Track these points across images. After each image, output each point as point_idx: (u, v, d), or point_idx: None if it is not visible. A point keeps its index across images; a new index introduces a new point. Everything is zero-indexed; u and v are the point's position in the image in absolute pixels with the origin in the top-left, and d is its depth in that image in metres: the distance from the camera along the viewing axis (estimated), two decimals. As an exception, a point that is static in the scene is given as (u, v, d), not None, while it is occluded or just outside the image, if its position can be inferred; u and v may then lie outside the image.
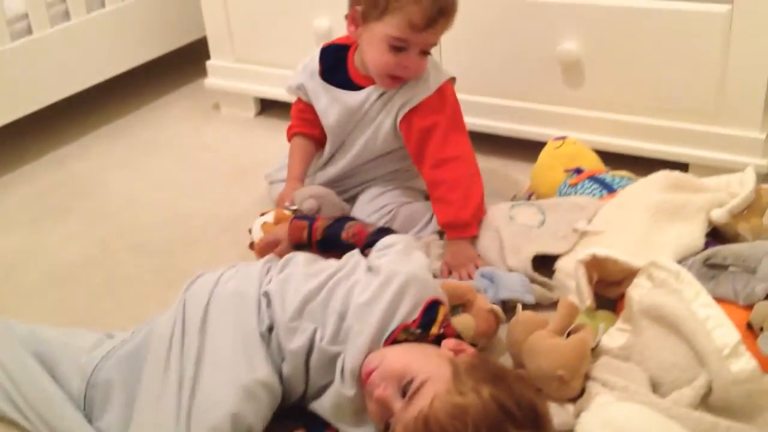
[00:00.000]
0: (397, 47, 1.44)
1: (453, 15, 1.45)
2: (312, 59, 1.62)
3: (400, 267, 1.18)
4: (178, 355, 1.12)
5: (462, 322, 1.23)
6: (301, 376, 1.14)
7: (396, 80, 1.50)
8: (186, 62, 2.48)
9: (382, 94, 1.53)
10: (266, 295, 1.18)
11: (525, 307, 1.32)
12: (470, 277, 1.43)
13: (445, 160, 1.49)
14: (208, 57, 2.21)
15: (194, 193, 1.84)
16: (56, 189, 1.92)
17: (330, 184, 1.62)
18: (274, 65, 2.08)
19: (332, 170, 1.63)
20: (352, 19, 1.49)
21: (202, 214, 1.75)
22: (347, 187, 1.64)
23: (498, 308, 1.28)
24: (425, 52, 1.48)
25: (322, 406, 1.13)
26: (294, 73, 1.66)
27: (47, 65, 2.03)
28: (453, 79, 1.57)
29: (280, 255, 1.33)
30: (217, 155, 2.02)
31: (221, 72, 2.19)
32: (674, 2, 1.54)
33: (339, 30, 1.69)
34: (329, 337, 1.13)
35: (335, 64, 1.58)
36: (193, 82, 2.42)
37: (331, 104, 1.57)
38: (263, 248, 1.43)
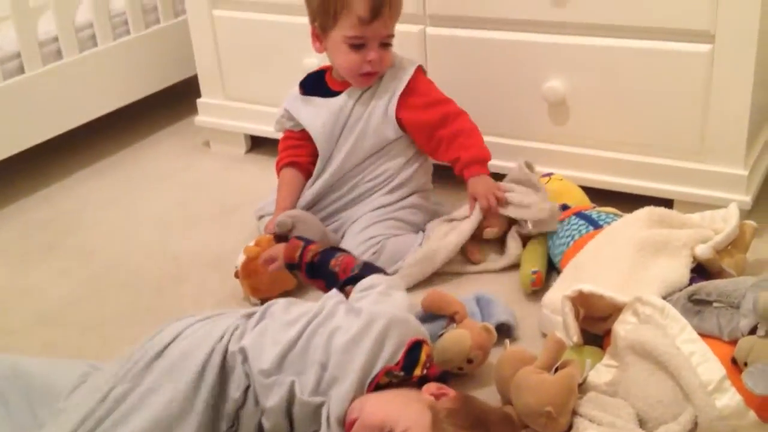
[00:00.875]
0: (356, 45, 1.55)
1: (396, 1, 1.55)
2: (290, 94, 1.72)
3: (381, 309, 1.18)
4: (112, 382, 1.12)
5: (457, 335, 1.25)
6: (284, 427, 1.13)
7: (368, 77, 1.60)
8: (176, 100, 2.50)
9: (363, 93, 1.62)
10: (242, 351, 1.14)
11: (512, 342, 1.32)
12: (499, 201, 1.56)
13: (453, 121, 1.61)
14: (198, 95, 2.23)
15: (183, 231, 1.85)
16: (44, 226, 1.92)
17: (318, 197, 1.67)
18: (264, 103, 2.09)
19: (319, 183, 1.67)
20: (315, 37, 1.61)
21: (190, 252, 1.75)
22: (334, 199, 1.67)
23: (490, 326, 1.30)
24: (385, 44, 1.57)
25: None
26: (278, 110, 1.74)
27: (39, 104, 2.04)
28: (421, 67, 1.67)
29: (274, 270, 1.44)
30: (207, 192, 2.03)
31: (211, 109, 2.21)
32: (657, 42, 1.57)
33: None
34: (311, 388, 1.11)
35: (314, 82, 1.69)
36: (183, 119, 2.43)
37: (316, 113, 1.65)
38: (264, 262, 1.46)
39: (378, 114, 1.61)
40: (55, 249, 1.82)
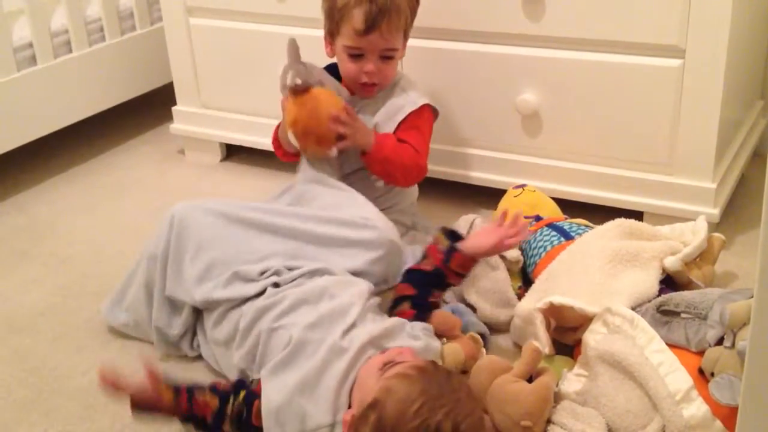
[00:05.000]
0: (355, 55, 1.55)
1: (396, 14, 1.52)
2: None
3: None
4: None
5: (452, 349, 1.27)
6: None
7: (367, 87, 1.59)
8: (151, 107, 2.49)
9: (367, 104, 1.61)
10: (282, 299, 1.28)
11: (488, 351, 1.34)
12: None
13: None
14: (173, 102, 2.22)
15: (157, 238, 1.84)
16: (17, 234, 1.91)
17: None
18: (239, 111, 2.10)
19: None
20: (326, 41, 1.61)
21: (164, 259, 1.74)
22: None
23: (476, 335, 1.33)
24: (385, 57, 1.56)
25: None
26: None
27: (13, 109, 2.02)
28: (436, 111, 1.66)
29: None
30: (181, 200, 2.01)
31: (187, 117, 2.21)
32: (628, 56, 1.59)
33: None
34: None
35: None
36: (158, 127, 2.43)
37: None
38: None
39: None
40: (27, 256, 1.80)
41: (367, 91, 1.60)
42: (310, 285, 1.30)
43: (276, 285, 1.32)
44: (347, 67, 1.57)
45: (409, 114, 1.60)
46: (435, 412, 1.00)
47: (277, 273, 1.34)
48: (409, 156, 1.57)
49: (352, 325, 1.22)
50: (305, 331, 1.21)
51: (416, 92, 1.63)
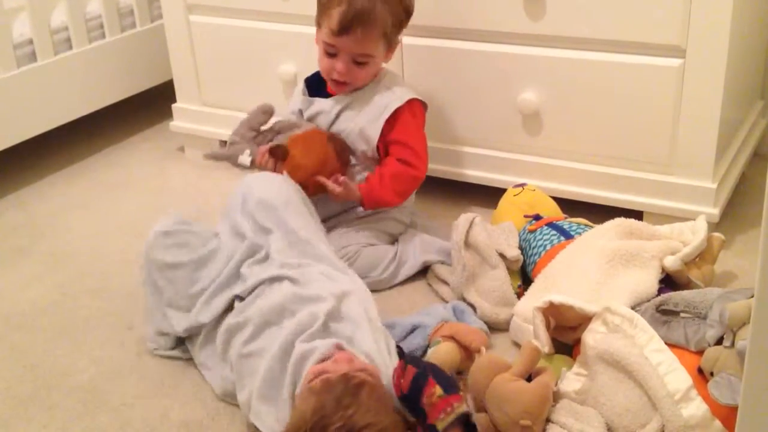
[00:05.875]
0: (330, 53, 1.58)
1: (372, 24, 1.53)
2: (297, 89, 1.73)
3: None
4: None
5: (445, 349, 1.27)
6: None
7: (338, 85, 1.62)
8: (151, 105, 2.49)
9: (351, 102, 1.63)
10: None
11: (488, 350, 1.34)
12: None
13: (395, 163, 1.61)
14: (173, 100, 2.22)
15: (157, 236, 1.84)
16: (16, 231, 1.91)
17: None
18: (239, 109, 2.08)
19: None
20: (316, 29, 1.62)
21: (164, 257, 1.74)
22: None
23: (483, 325, 1.38)
24: (358, 63, 1.57)
25: None
26: (289, 103, 1.76)
27: (13, 106, 2.02)
28: (424, 104, 1.66)
29: None
30: (181, 197, 2.02)
31: (187, 115, 2.20)
32: (629, 56, 1.59)
33: (305, 75, 1.73)
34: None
35: (317, 84, 1.69)
36: (158, 124, 2.42)
37: (317, 113, 1.67)
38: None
39: (357, 129, 1.62)
40: (26, 253, 1.80)
41: (337, 87, 1.63)
42: (269, 302, 1.29)
43: (240, 298, 1.33)
44: (322, 61, 1.61)
45: (396, 110, 1.60)
46: (325, 429, 1.02)
47: (240, 278, 1.36)
48: (401, 181, 1.61)
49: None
50: (272, 362, 1.21)
51: (401, 88, 1.64)
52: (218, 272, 1.38)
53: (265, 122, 1.65)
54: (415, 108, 1.64)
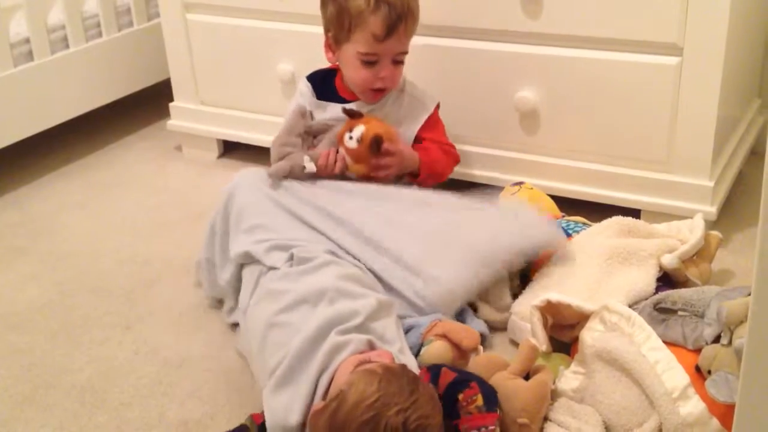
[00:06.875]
0: (369, 62, 1.54)
1: (412, 18, 1.54)
2: (302, 89, 1.68)
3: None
4: None
5: (437, 347, 1.27)
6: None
7: (377, 93, 1.60)
8: (148, 103, 2.49)
9: (372, 109, 1.61)
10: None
11: (485, 349, 1.34)
12: None
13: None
14: (171, 99, 2.22)
15: (154, 235, 1.84)
16: (13, 230, 1.90)
17: None
18: (237, 108, 2.09)
19: None
20: (328, 46, 1.60)
21: (161, 256, 1.74)
22: None
23: (482, 325, 1.39)
24: (397, 61, 1.56)
25: None
26: (292, 101, 1.71)
27: (9, 105, 2.02)
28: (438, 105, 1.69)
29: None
30: (179, 197, 2.02)
31: (184, 114, 2.20)
32: (626, 54, 1.59)
33: (302, 74, 1.72)
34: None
35: (324, 86, 1.66)
36: (156, 123, 2.42)
37: (334, 119, 1.61)
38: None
39: None
40: (24, 252, 1.80)
41: (375, 96, 1.60)
42: (315, 282, 1.29)
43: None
44: (360, 73, 1.55)
45: (429, 119, 1.64)
46: (388, 408, 1.02)
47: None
48: (449, 158, 1.66)
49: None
50: (304, 344, 1.19)
51: (421, 89, 1.67)
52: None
53: (305, 125, 1.60)
54: (437, 109, 1.68)
